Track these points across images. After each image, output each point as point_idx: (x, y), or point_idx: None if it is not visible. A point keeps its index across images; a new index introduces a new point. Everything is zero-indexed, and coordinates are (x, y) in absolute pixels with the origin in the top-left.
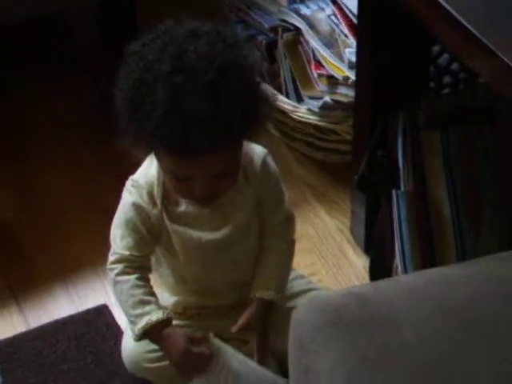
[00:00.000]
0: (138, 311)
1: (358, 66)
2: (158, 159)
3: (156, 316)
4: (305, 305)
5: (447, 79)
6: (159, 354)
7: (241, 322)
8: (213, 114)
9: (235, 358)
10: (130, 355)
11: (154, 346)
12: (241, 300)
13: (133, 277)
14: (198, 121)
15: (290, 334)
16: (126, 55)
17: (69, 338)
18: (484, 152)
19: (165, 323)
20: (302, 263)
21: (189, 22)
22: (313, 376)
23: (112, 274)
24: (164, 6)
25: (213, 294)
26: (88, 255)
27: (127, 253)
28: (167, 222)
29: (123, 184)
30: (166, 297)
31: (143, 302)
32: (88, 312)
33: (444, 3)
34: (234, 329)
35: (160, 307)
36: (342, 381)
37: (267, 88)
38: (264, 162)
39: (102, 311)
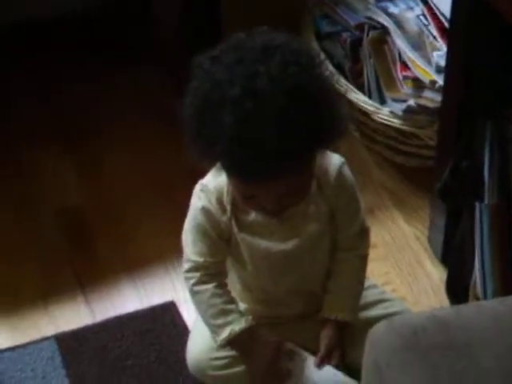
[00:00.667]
0: (220, 321)
1: (447, 71)
2: (226, 173)
3: (239, 326)
4: (383, 325)
5: None
6: (225, 361)
7: (322, 351)
8: (280, 144)
9: (317, 371)
10: (195, 359)
11: (220, 354)
12: (307, 310)
13: (211, 285)
14: (265, 150)
15: (366, 353)
16: (194, 67)
17: (134, 334)
18: None
19: (248, 332)
20: (376, 271)
21: (260, 34)
22: None
23: (189, 284)
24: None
25: (279, 304)
26: (156, 248)
27: (201, 259)
28: (235, 229)
29: (193, 176)
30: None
31: (224, 312)
32: (154, 308)
33: None
34: (317, 362)
35: (242, 315)
36: None
37: (343, 102)
38: (339, 172)
39: (169, 308)
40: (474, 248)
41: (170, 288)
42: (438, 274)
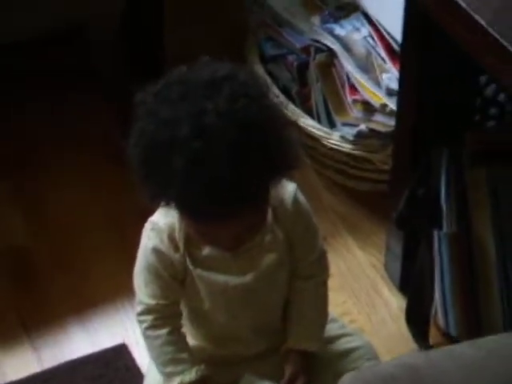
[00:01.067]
0: (170, 369)
1: (400, 95)
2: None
3: (189, 377)
4: (351, 377)
5: (493, 111)
6: None
7: (286, 376)
8: (234, 182)
9: None
10: None
11: None
12: (266, 349)
13: (164, 332)
14: (219, 191)
15: None
16: (136, 104)
17: (85, 380)
18: None
19: (198, 382)
20: (333, 301)
21: (203, 66)
22: None
23: (142, 328)
24: (191, 23)
25: (237, 342)
26: (107, 289)
27: (154, 302)
28: (190, 266)
29: (144, 214)
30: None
31: (175, 361)
32: (106, 352)
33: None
34: None
35: (193, 365)
36: None
37: (293, 128)
38: (295, 199)
39: (121, 351)
40: (433, 277)
41: (121, 330)
42: (396, 302)
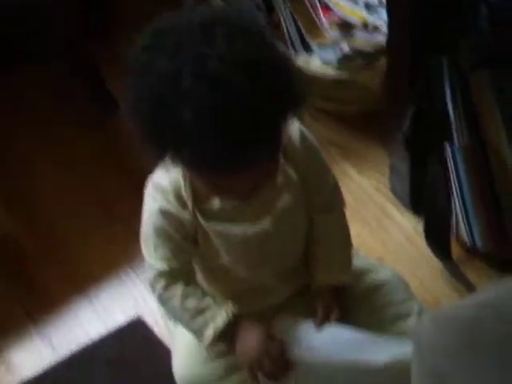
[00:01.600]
0: (200, 322)
1: (391, 8)
2: (189, 171)
3: (221, 320)
4: (429, 324)
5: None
6: (220, 373)
7: (319, 311)
8: (250, 122)
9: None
10: (186, 378)
11: (213, 365)
12: (292, 295)
13: (179, 287)
14: (237, 138)
15: (416, 361)
16: (127, 65)
17: (105, 364)
18: None
19: (233, 322)
20: None
21: (190, 11)
22: None
23: (156, 293)
24: None
25: (262, 294)
26: (106, 264)
27: (165, 266)
28: (203, 222)
29: (132, 182)
30: None
31: (201, 311)
32: (121, 330)
33: None
34: (317, 323)
35: (220, 306)
36: None
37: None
38: (302, 136)
39: (137, 325)
40: (448, 192)
41: (132, 302)
42: (409, 224)
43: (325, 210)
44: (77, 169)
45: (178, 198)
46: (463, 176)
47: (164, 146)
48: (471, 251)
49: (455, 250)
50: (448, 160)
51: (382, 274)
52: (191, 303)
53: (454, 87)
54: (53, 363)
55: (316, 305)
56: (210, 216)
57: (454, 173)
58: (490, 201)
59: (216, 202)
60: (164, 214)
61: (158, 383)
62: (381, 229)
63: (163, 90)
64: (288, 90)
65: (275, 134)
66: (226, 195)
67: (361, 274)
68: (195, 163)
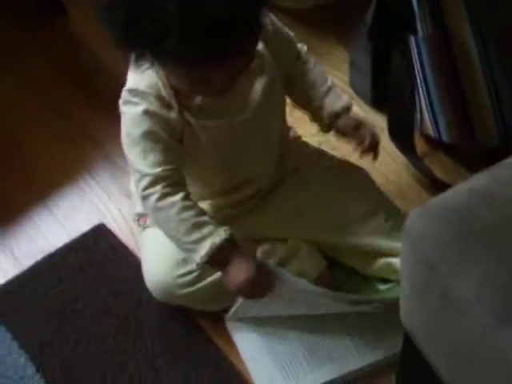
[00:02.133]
0: (196, 236)
1: None
2: (167, 68)
3: (219, 237)
4: (419, 215)
5: None
6: (193, 275)
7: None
8: (235, 14)
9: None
10: (160, 283)
11: (185, 269)
12: (279, 178)
13: (178, 197)
14: (221, 28)
15: (407, 253)
16: None
17: (72, 272)
18: None
19: (229, 242)
20: (309, 132)
21: None
22: (454, 302)
23: (151, 202)
24: None
25: (252, 181)
26: (64, 170)
27: (158, 169)
28: (191, 119)
29: (83, 88)
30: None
31: (199, 225)
32: (85, 236)
33: None
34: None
35: (218, 225)
36: (498, 303)
37: None
38: (270, 18)
39: (101, 232)
40: (413, 85)
41: (94, 210)
42: (371, 120)
43: (302, 63)
44: (26, 74)
45: (160, 99)
46: (428, 68)
47: (144, 44)
48: (435, 145)
49: (419, 145)
50: (412, 51)
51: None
52: (189, 215)
53: None
54: (17, 274)
55: (346, 137)
56: (196, 112)
57: (419, 64)
58: (455, 92)
59: (197, 100)
60: (149, 114)
61: (125, 287)
62: None
63: None
64: None
65: (255, 27)
66: (206, 91)
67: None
68: (178, 58)
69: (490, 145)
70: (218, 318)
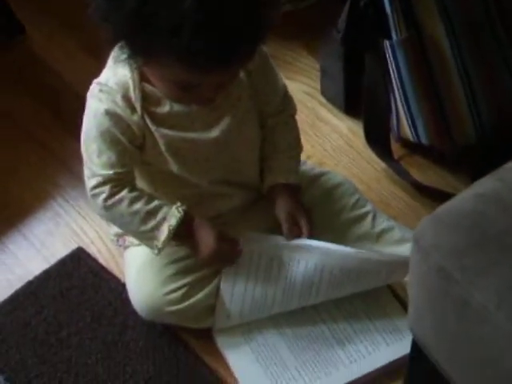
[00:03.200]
0: (152, 223)
1: None
2: (153, 67)
3: (174, 218)
4: (432, 222)
5: None
6: (182, 292)
7: (285, 221)
8: (243, 23)
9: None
10: (148, 302)
11: (173, 286)
12: (246, 201)
13: (124, 192)
14: (231, 32)
15: (418, 263)
16: None
17: (54, 299)
18: None
19: (186, 220)
20: None
21: None
22: (473, 311)
23: (100, 201)
24: None
25: (215, 198)
26: (36, 192)
27: (110, 172)
28: (152, 126)
29: (41, 99)
30: None
31: (151, 212)
32: (64, 261)
33: None
34: (287, 235)
35: (170, 205)
36: None
37: None
38: None
39: (80, 256)
40: (388, 90)
41: (70, 233)
42: (345, 126)
43: (274, 113)
44: None
45: (126, 99)
46: (404, 71)
47: (155, 36)
48: (412, 148)
49: (396, 149)
50: (387, 55)
51: (334, 179)
52: (140, 206)
53: None
54: None
55: (276, 213)
56: (159, 121)
57: (395, 68)
58: (431, 93)
59: (166, 107)
60: (111, 115)
61: (109, 311)
62: (318, 135)
63: None
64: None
65: (258, 35)
66: (192, 99)
67: (313, 179)
68: (186, 54)
69: (467, 143)
70: (207, 337)
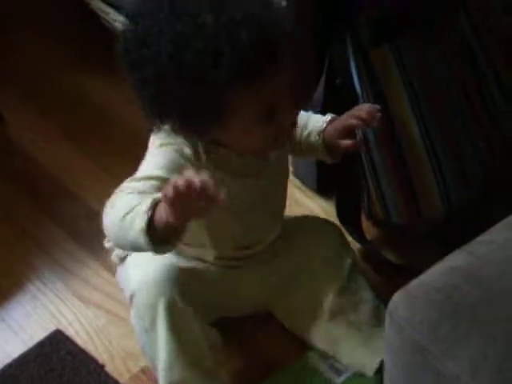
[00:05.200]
0: (145, 206)
1: None
2: (231, 128)
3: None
4: (401, 298)
5: None
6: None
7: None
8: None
9: None
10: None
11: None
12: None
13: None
14: (262, 39)
15: (391, 338)
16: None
17: (33, 382)
18: (441, 54)
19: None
20: None
21: None
22: (450, 381)
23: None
24: None
25: (259, 232)
26: (13, 276)
27: (134, 193)
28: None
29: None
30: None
31: (143, 198)
32: (42, 344)
33: None
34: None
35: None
36: (492, 380)
37: None
38: None
39: (58, 339)
40: (358, 168)
41: (48, 316)
42: (317, 206)
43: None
44: None
45: (194, 150)
46: (374, 150)
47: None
48: (383, 225)
49: (368, 227)
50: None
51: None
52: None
53: (357, 64)
54: None
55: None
56: (216, 164)
57: (366, 148)
58: (400, 171)
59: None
60: (179, 152)
61: None
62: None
63: (198, 43)
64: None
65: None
66: (272, 133)
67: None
68: (236, 74)
69: (436, 217)
70: None
